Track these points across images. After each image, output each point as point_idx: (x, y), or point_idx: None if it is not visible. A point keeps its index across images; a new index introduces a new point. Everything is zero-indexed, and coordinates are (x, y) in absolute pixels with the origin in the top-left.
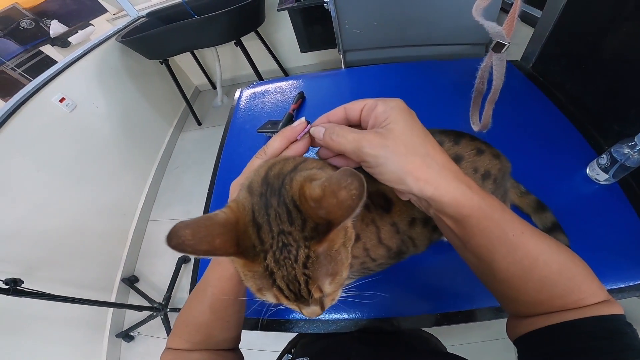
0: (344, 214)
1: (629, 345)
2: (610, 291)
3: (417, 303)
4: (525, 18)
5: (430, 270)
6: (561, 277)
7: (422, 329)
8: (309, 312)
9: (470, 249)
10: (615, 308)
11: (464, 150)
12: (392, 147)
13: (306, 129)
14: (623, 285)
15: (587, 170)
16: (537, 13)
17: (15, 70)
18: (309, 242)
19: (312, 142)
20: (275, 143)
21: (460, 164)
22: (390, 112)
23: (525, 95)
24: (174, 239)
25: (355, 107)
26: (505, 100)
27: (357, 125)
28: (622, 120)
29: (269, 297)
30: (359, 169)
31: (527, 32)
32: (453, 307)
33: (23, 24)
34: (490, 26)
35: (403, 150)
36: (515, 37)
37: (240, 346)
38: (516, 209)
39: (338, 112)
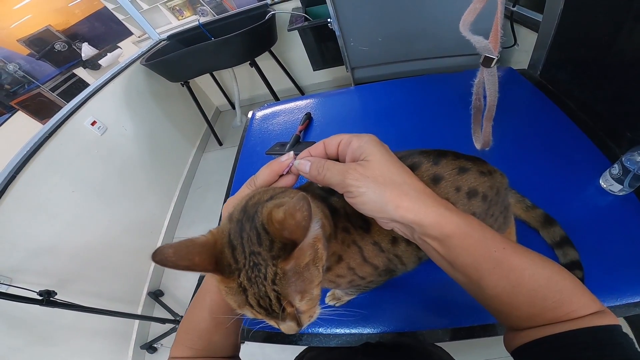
0: (303, 232)
1: (622, 355)
2: (627, 305)
3: (424, 317)
4: (529, 23)
5: (438, 284)
6: (549, 290)
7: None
8: (285, 327)
9: (458, 268)
10: (609, 319)
11: (444, 170)
12: (371, 177)
13: (291, 163)
14: (638, 300)
15: (600, 181)
16: (539, 18)
17: (51, 93)
18: (276, 260)
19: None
20: (264, 175)
21: (440, 184)
22: (365, 146)
23: (534, 104)
24: (158, 255)
25: (332, 143)
26: (514, 110)
27: (335, 158)
28: (633, 126)
29: (247, 313)
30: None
31: (533, 38)
32: (460, 322)
33: (57, 46)
34: (477, 40)
35: (381, 180)
36: (523, 44)
37: None
38: (523, 224)
39: (319, 147)
